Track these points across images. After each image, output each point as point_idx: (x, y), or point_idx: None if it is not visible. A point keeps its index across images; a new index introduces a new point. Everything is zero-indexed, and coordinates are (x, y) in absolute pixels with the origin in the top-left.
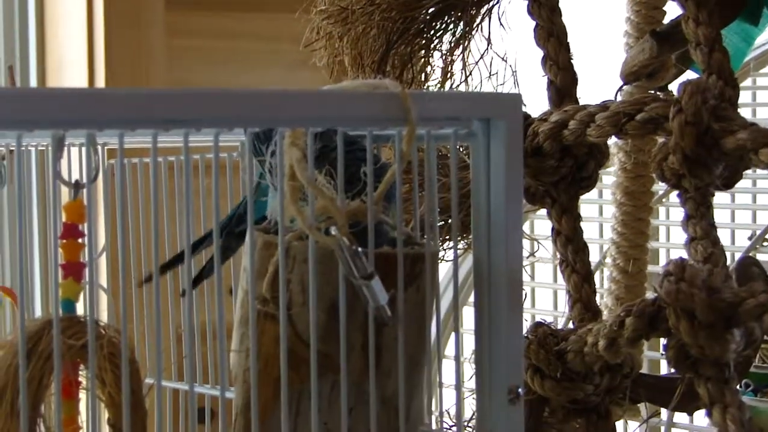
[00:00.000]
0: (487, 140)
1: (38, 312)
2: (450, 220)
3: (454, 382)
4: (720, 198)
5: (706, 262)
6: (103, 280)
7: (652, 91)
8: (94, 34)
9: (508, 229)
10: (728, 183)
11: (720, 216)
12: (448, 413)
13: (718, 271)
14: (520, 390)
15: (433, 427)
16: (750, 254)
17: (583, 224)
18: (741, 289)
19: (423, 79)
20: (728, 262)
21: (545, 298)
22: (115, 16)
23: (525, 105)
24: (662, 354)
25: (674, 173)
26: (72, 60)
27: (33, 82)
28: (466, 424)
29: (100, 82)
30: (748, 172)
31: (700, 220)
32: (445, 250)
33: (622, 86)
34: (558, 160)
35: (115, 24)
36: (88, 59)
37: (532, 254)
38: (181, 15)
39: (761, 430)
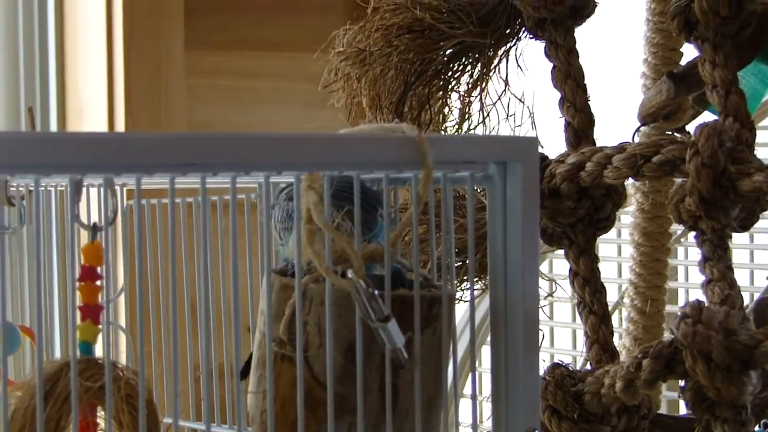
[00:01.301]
0: (504, 183)
1: (58, 352)
2: (467, 262)
3: (471, 422)
4: (739, 238)
5: (722, 304)
6: (122, 320)
7: (669, 133)
8: (114, 74)
9: (525, 270)
10: (745, 225)
11: (738, 256)
12: None
13: (735, 313)
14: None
15: None
16: None
17: (601, 264)
18: (758, 331)
19: (441, 120)
20: (747, 302)
21: (564, 338)
22: (134, 57)
23: (542, 146)
24: (680, 394)
25: (691, 215)
26: (92, 101)
27: (53, 124)
28: None
29: (120, 123)
30: (767, 213)
31: (717, 262)
32: (462, 291)
33: (639, 127)
34: (575, 202)
35: (135, 65)
36: (108, 100)
37: (550, 294)
38: (200, 55)
39: None
